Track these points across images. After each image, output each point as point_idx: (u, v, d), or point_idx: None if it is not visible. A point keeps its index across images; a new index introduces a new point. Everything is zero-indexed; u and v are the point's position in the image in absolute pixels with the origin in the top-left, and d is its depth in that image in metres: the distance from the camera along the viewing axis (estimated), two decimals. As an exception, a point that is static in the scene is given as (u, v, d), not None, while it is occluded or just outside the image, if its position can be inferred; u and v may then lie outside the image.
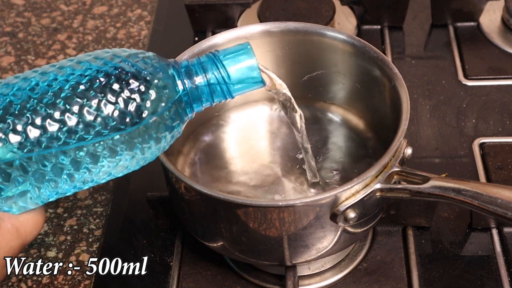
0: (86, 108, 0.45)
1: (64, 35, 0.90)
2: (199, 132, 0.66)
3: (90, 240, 0.67)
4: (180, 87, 0.49)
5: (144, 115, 0.46)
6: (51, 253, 0.66)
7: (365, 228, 0.56)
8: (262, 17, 0.83)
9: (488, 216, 0.56)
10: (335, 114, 0.67)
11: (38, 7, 0.94)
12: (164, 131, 0.48)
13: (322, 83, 0.66)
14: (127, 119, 0.46)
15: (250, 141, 0.66)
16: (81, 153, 0.45)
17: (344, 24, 0.85)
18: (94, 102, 0.45)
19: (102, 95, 0.45)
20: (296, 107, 0.57)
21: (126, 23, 0.91)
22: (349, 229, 0.54)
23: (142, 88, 0.46)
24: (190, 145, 0.65)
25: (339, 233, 0.54)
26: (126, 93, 0.46)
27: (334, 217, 0.52)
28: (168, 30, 0.88)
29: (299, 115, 0.57)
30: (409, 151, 0.55)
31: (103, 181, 0.48)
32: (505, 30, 0.83)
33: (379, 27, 0.85)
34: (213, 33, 0.83)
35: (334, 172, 0.62)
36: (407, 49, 0.83)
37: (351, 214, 0.52)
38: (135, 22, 0.91)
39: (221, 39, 0.62)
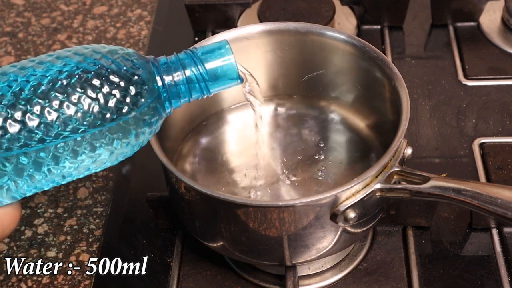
0: (66, 103, 0.45)
1: (64, 35, 0.90)
2: (199, 132, 0.66)
3: (90, 240, 0.67)
4: (159, 83, 0.49)
5: (123, 111, 0.47)
6: (51, 253, 0.66)
7: (365, 228, 0.56)
8: (262, 17, 0.83)
9: (488, 216, 0.56)
10: (335, 114, 0.66)
11: (38, 7, 0.94)
12: (143, 126, 0.48)
13: (322, 83, 0.66)
14: (107, 115, 0.46)
15: (249, 141, 0.66)
16: (61, 148, 0.46)
17: (344, 24, 0.85)
18: (74, 98, 0.45)
19: (82, 90, 0.46)
20: (257, 108, 0.57)
21: (126, 23, 0.91)
22: (349, 229, 0.54)
23: (122, 84, 0.47)
24: (189, 145, 0.65)
25: (339, 233, 0.54)
26: (105, 89, 0.46)
27: (334, 217, 0.52)
28: (168, 30, 0.88)
29: (259, 116, 0.58)
30: (409, 151, 0.55)
31: (82, 175, 0.49)
32: (505, 30, 0.83)
33: (379, 27, 0.84)
34: (213, 33, 0.83)
35: (334, 172, 0.62)
36: (407, 49, 0.83)
37: (351, 214, 0.52)
38: (135, 22, 0.91)
39: (221, 39, 0.62)
